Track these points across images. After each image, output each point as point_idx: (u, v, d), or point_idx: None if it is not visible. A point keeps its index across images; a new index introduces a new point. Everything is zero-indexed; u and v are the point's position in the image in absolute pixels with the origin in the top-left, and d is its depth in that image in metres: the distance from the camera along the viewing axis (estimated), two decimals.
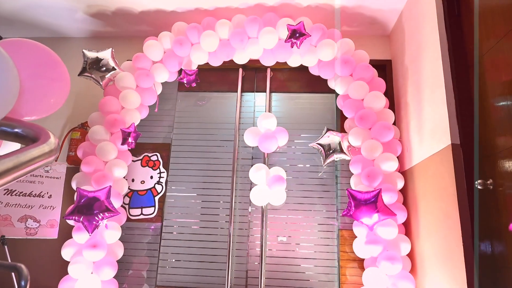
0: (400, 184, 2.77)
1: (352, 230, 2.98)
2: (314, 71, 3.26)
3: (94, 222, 2.58)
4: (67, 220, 2.61)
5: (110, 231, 2.76)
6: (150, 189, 3.25)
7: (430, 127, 2.41)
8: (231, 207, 3.14)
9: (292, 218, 3.15)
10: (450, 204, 2.09)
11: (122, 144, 2.90)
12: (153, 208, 3.21)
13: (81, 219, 2.57)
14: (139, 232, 3.19)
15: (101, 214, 2.59)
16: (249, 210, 3.20)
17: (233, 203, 3.16)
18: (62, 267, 2.70)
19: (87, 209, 2.60)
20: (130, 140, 2.92)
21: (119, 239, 2.89)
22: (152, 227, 3.20)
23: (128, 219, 3.17)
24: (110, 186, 2.71)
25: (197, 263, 3.10)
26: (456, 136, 2.08)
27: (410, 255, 2.66)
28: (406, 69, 2.94)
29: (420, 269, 2.55)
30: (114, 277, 2.78)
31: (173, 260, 3.13)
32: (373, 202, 2.50)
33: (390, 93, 3.22)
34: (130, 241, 3.17)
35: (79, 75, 3.01)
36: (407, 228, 2.76)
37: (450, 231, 2.09)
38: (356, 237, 2.84)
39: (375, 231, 2.64)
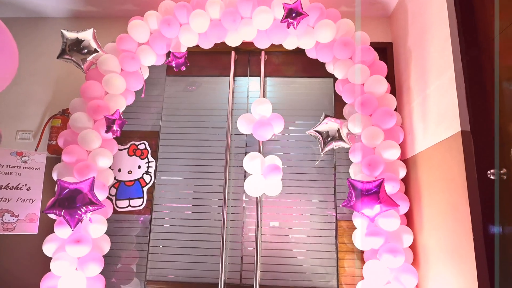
0: (402, 173, 2.65)
1: (351, 221, 2.86)
2: (311, 54, 3.07)
3: (76, 216, 2.40)
4: (48, 214, 2.42)
5: (95, 225, 2.58)
6: (138, 179, 3.07)
7: (436, 113, 2.27)
8: (224, 198, 2.99)
9: (288, 209, 3.01)
10: (459, 196, 1.96)
11: (106, 132, 2.70)
12: (142, 199, 3.03)
13: (62, 213, 2.38)
14: (127, 225, 3.02)
15: (84, 207, 2.41)
16: (243, 200, 3.04)
17: (226, 193, 3.01)
18: (45, 263, 2.53)
19: (69, 202, 2.41)
20: (115, 127, 2.72)
21: (105, 233, 2.71)
22: (141, 219, 3.03)
23: (115, 211, 3.00)
24: (94, 177, 2.52)
25: (188, 256, 2.95)
26: (466, 122, 1.94)
27: (412, 247, 2.56)
28: (409, 52, 2.78)
29: (423, 261, 2.45)
30: (101, 273, 2.62)
31: (164, 254, 2.97)
32: (375, 193, 2.37)
33: (391, 78, 3.07)
34: (118, 234, 3.00)
35: (58, 57, 2.78)
36: (409, 219, 2.65)
37: (458, 224, 1.97)
38: (355, 228, 2.72)
39: (376, 222, 2.52)
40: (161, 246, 2.98)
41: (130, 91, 3.01)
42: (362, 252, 2.75)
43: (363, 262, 2.77)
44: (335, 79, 3.08)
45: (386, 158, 2.62)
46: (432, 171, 2.34)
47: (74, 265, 2.52)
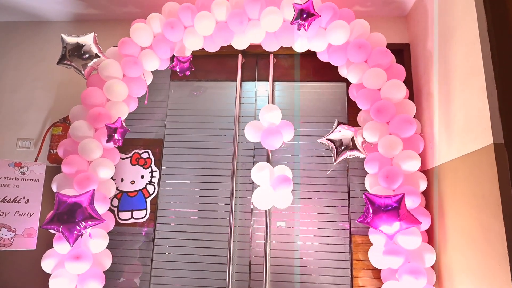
0: (423, 185, 2.45)
1: (366, 235, 2.67)
2: (323, 57, 2.90)
3: (75, 232, 2.26)
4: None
5: (95, 240, 2.45)
6: (141, 190, 2.93)
7: (463, 122, 2.07)
8: (231, 210, 2.83)
9: (299, 222, 2.83)
10: (491, 214, 1.77)
11: (108, 141, 2.56)
12: (145, 211, 2.89)
13: (60, 229, 2.25)
14: (130, 238, 2.88)
15: (83, 222, 2.28)
16: (251, 212, 2.88)
17: (233, 205, 2.85)
18: (45, 277, 2.40)
19: (67, 217, 2.28)
20: (116, 137, 2.58)
21: (107, 247, 2.57)
22: (144, 232, 2.89)
23: (117, 223, 2.86)
24: (94, 190, 2.38)
25: (194, 271, 2.80)
26: (499, 134, 1.74)
27: (435, 267, 2.36)
28: (430, 54, 2.58)
29: (448, 283, 2.25)
30: None
31: (168, 269, 2.82)
32: (395, 209, 2.18)
33: (408, 82, 2.86)
34: (120, 248, 2.86)
35: (58, 63, 2.66)
36: (430, 235, 2.45)
37: (490, 246, 1.77)
38: (371, 243, 2.53)
39: (395, 239, 2.33)
40: (165, 260, 2.84)
41: (132, 97, 2.87)
42: (379, 269, 2.56)
43: (379, 280, 2.59)
44: (348, 83, 2.90)
45: (405, 170, 2.42)
46: (458, 185, 2.14)
47: (73, 282, 2.39)
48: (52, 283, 2.34)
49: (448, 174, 2.26)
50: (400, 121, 2.45)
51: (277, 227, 2.83)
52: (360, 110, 2.75)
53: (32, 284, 2.61)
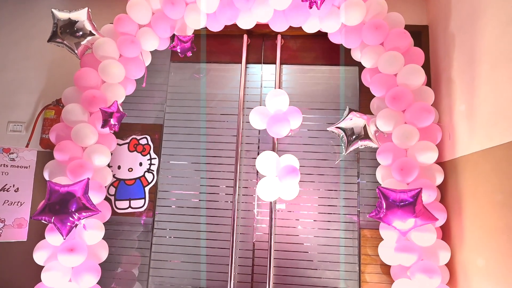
0: (440, 179, 2.30)
1: (376, 229, 2.54)
2: (335, 39, 2.69)
3: (68, 223, 2.12)
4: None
5: (91, 231, 2.31)
6: (139, 178, 2.78)
7: (489, 112, 1.90)
8: (234, 200, 2.69)
9: (305, 214, 2.69)
10: None
11: (103, 127, 2.40)
12: (143, 200, 2.75)
13: (52, 220, 2.11)
14: (128, 228, 2.75)
15: (77, 213, 2.13)
16: (255, 203, 2.74)
17: (237, 195, 2.70)
18: (37, 271, 2.27)
19: (60, 207, 2.14)
20: (112, 121, 2.41)
21: (103, 237, 2.44)
22: (143, 222, 2.75)
23: (114, 213, 2.72)
24: (88, 179, 2.23)
25: (195, 264, 2.68)
26: None
27: (449, 265, 2.23)
28: (452, 37, 2.38)
29: (463, 283, 2.12)
30: (100, 280, 2.36)
31: (167, 260, 2.70)
32: (411, 204, 2.03)
33: (425, 67, 2.66)
34: (117, 238, 2.73)
35: (49, 41, 2.47)
36: (445, 231, 2.31)
37: None
38: (381, 238, 2.40)
39: (408, 235, 2.19)
40: (164, 252, 2.71)
41: (130, 79, 2.68)
42: (388, 265, 2.44)
43: (389, 276, 2.47)
44: (361, 67, 2.70)
45: (421, 162, 2.27)
46: (479, 180, 1.98)
47: (67, 275, 2.26)
48: (44, 277, 2.21)
49: (468, 168, 2.10)
50: (417, 110, 2.28)
51: (277, 210, 2.69)
52: (374, 96, 2.57)
53: (25, 277, 2.49)
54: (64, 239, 2.14)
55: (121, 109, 2.56)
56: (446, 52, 2.46)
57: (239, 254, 2.66)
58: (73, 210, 2.12)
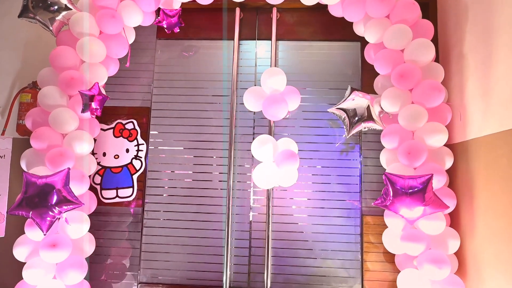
0: (449, 163, 2.15)
1: (379, 216, 2.41)
2: (335, 12, 2.47)
3: (48, 218, 1.95)
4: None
5: (74, 225, 2.14)
6: (126, 165, 2.59)
7: (507, 91, 1.73)
8: (229, 187, 2.52)
9: (304, 201, 2.54)
10: None
11: (83, 111, 2.19)
12: (131, 189, 2.57)
13: (30, 215, 1.94)
14: (116, 219, 2.58)
15: (57, 207, 1.96)
16: (251, 190, 2.58)
17: (231, 182, 2.53)
18: (20, 267, 2.11)
19: (38, 200, 1.96)
20: (94, 105, 2.21)
21: (90, 229, 2.27)
22: (131, 212, 2.58)
23: (101, 203, 2.54)
24: (69, 169, 2.05)
25: (188, 255, 2.54)
26: None
27: (458, 253, 2.11)
28: (464, 8, 2.18)
29: (473, 272, 2.01)
30: (89, 273, 2.22)
31: (159, 252, 2.55)
32: (421, 191, 1.88)
33: (433, 42, 2.46)
34: (104, 229, 2.57)
35: (19, 16, 2.24)
36: (453, 218, 2.18)
37: None
38: (385, 225, 2.26)
39: (415, 223, 2.05)
40: (155, 243, 2.56)
41: (112, 58, 2.46)
42: (392, 253, 2.31)
43: (393, 265, 2.36)
44: (364, 43, 2.50)
45: (430, 145, 2.11)
46: (494, 164, 1.83)
47: (51, 272, 2.11)
48: (26, 274, 2.05)
49: (482, 151, 1.95)
50: (426, 88, 2.10)
51: (275, 198, 2.53)
52: (378, 74, 2.38)
53: (6, 273, 2.32)
54: (44, 235, 1.97)
55: (103, 91, 2.35)
56: (458, 25, 2.25)
57: (235, 244, 2.52)
58: (52, 203, 1.95)
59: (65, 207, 1.97)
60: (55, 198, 1.95)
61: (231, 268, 2.49)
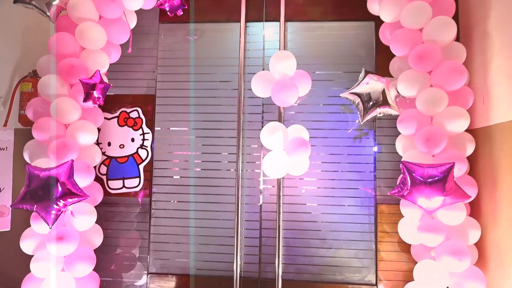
0: (470, 149, 2.03)
1: (394, 205, 2.33)
2: None
3: (53, 212, 1.90)
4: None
5: (81, 217, 2.09)
6: (131, 155, 2.53)
7: None
8: (237, 176, 2.44)
9: (316, 189, 2.45)
10: None
11: (85, 100, 2.11)
12: (138, 179, 2.51)
13: (35, 208, 1.89)
14: (124, 209, 2.53)
15: (61, 200, 1.90)
16: (260, 179, 2.50)
17: (240, 170, 2.45)
18: (28, 259, 2.09)
19: (42, 193, 1.90)
20: (95, 94, 2.12)
21: (97, 221, 2.23)
22: (139, 202, 2.53)
23: (107, 193, 2.49)
24: (72, 161, 1.98)
25: (197, 245, 2.49)
26: None
27: (478, 244, 2.01)
28: None
29: (494, 264, 1.92)
30: (98, 263, 2.19)
31: (167, 242, 2.51)
32: (441, 181, 1.78)
33: (454, 19, 2.30)
34: (113, 220, 2.53)
35: (15, 2, 2.14)
36: (474, 208, 2.08)
37: None
38: (400, 214, 2.18)
39: (434, 213, 1.96)
40: (164, 234, 2.52)
41: (113, 44, 2.35)
42: (408, 243, 2.23)
43: (408, 255, 2.28)
44: (378, 23, 2.36)
45: (450, 130, 1.99)
46: None
47: (59, 265, 2.08)
48: (33, 267, 2.03)
49: (506, 137, 1.83)
50: (447, 70, 1.96)
51: (285, 186, 2.45)
52: (393, 56, 2.24)
53: (14, 267, 2.30)
54: (50, 228, 1.92)
55: (105, 79, 2.26)
56: (482, 1, 2.09)
57: (245, 234, 2.46)
58: (57, 196, 1.89)
59: (70, 200, 1.92)
60: (59, 191, 1.90)
61: (242, 258, 2.44)
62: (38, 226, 2.03)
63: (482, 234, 1.98)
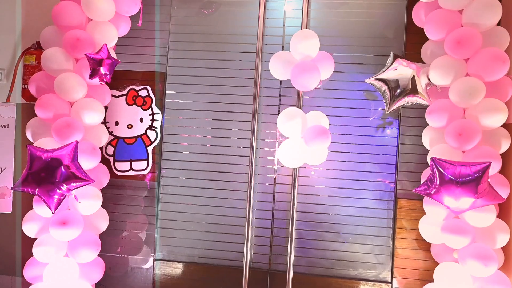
0: (505, 146, 1.87)
1: (415, 200, 2.20)
2: None
3: (56, 196, 1.80)
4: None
5: (85, 201, 2.00)
6: (140, 136, 2.40)
7: None
8: (251, 163, 2.32)
9: (333, 180, 2.32)
10: None
11: (91, 77, 1.97)
12: (146, 161, 2.40)
13: (36, 192, 1.79)
14: (131, 192, 2.43)
15: (65, 184, 1.80)
16: (275, 167, 2.37)
17: (254, 157, 2.32)
18: (31, 241, 2.02)
19: (45, 176, 1.80)
20: (102, 70, 1.98)
21: (103, 203, 2.14)
22: (147, 186, 2.43)
23: (114, 175, 2.39)
24: (77, 142, 1.87)
25: (206, 233, 2.40)
26: None
27: (505, 247, 1.89)
28: None
29: None
30: (103, 246, 2.13)
31: (176, 229, 2.42)
32: (474, 182, 1.63)
33: None
34: (119, 203, 2.43)
35: None
36: (503, 208, 1.94)
37: None
38: (421, 210, 2.05)
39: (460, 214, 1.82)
40: (172, 220, 2.42)
41: (122, 16, 2.19)
42: (428, 242, 2.11)
43: (428, 253, 2.17)
44: (411, 1, 2.16)
45: (485, 125, 1.82)
46: None
47: (62, 250, 2.00)
48: (36, 252, 1.95)
49: None
50: (487, 58, 1.78)
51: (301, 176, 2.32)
52: (426, 40, 2.05)
53: (16, 250, 2.24)
54: (53, 213, 1.83)
55: (113, 54, 2.11)
56: None
57: (256, 223, 2.36)
58: (60, 180, 1.79)
59: (73, 184, 1.82)
60: (62, 175, 1.79)
61: (252, 249, 2.35)
62: (41, 209, 1.94)
63: (510, 237, 1.85)
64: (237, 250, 2.36)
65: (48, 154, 1.79)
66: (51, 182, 1.78)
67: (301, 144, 2.05)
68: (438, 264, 2.03)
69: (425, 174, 2.07)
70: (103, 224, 2.17)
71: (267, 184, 2.36)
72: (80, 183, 1.83)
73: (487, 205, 1.68)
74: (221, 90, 2.40)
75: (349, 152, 2.31)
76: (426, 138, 2.05)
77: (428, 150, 2.04)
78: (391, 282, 2.23)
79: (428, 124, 2.04)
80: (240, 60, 2.39)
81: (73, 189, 1.82)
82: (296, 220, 2.30)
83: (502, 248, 1.89)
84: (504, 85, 1.85)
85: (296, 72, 2.04)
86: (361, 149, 2.30)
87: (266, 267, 2.34)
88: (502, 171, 1.93)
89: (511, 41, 1.92)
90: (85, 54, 1.91)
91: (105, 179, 2.21)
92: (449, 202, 1.70)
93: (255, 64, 2.34)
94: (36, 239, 2.00)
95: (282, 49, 2.33)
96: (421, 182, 2.10)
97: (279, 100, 2.36)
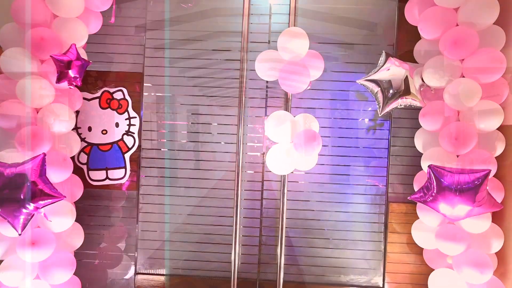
0: (500, 149, 1.82)
1: (407, 203, 2.14)
2: None
3: (21, 216, 1.61)
4: None
5: (57, 219, 1.81)
6: (116, 142, 2.21)
7: None
8: (237, 166, 2.18)
9: (323, 185, 2.23)
10: None
11: (59, 81, 1.77)
12: (123, 169, 2.22)
13: None
14: (107, 203, 2.25)
15: (31, 203, 1.61)
16: (263, 172, 2.25)
17: (240, 162, 2.18)
18: None
19: (10, 194, 1.60)
20: (71, 73, 1.77)
21: (77, 217, 1.96)
22: (126, 196, 2.25)
23: (88, 185, 2.20)
24: (44, 155, 1.67)
25: (190, 244, 2.27)
26: None
27: (499, 252, 1.85)
28: None
29: None
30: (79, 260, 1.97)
31: (157, 240, 2.27)
32: (472, 190, 1.57)
33: None
34: (95, 215, 2.25)
35: None
36: (496, 212, 1.89)
37: None
38: (413, 214, 2.00)
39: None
40: (153, 231, 2.27)
41: (92, 12, 1.99)
42: (421, 247, 2.06)
43: (420, 257, 2.13)
44: None
45: (481, 128, 1.76)
46: None
47: (33, 272, 1.82)
48: (3, 276, 1.76)
49: None
50: (483, 59, 1.73)
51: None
52: (419, 38, 1.97)
53: None
54: (19, 234, 1.64)
55: (83, 54, 1.91)
56: None
57: (244, 232, 2.25)
58: (25, 198, 1.60)
59: (41, 202, 1.63)
60: (28, 192, 1.60)
61: (240, 258, 2.23)
62: (5, 229, 1.74)
63: (505, 242, 1.82)
64: (224, 260, 2.24)
65: (11, 169, 1.60)
66: (15, 201, 1.59)
67: (290, 150, 1.94)
68: (430, 268, 2.00)
69: (418, 178, 2.01)
70: (78, 240, 1.99)
71: (254, 190, 2.24)
72: (49, 200, 1.65)
73: (485, 213, 1.63)
74: (203, 91, 2.24)
75: (338, 156, 2.23)
76: (419, 141, 1.99)
77: (420, 153, 1.98)
78: (383, 287, 2.18)
79: (420, 126, 1.97)
80: (225, 60, 2.23)
81: (41, 207, 1.64)
82: (286, 227, 2.20)
83: (496, 253, 1.87)
84: (500, 87, 1.81)
85: (285, 73, 1.91)
86: (351, 152, 2.22)
87: (254, 276, 2.24)
88: (496, 175, 1.89)
89: (507, 39, 1.87)
90: (51, 56, 1.71)
91: (78, 191, 2.03)
92: (446, 210, 1.64)
93: (240, 63, 2.18)
94: (1, 261, 1.81)
95: (268, 44, 2.19)
96: (414, 186, 2.05)
97: (266, 102, 2.23)
